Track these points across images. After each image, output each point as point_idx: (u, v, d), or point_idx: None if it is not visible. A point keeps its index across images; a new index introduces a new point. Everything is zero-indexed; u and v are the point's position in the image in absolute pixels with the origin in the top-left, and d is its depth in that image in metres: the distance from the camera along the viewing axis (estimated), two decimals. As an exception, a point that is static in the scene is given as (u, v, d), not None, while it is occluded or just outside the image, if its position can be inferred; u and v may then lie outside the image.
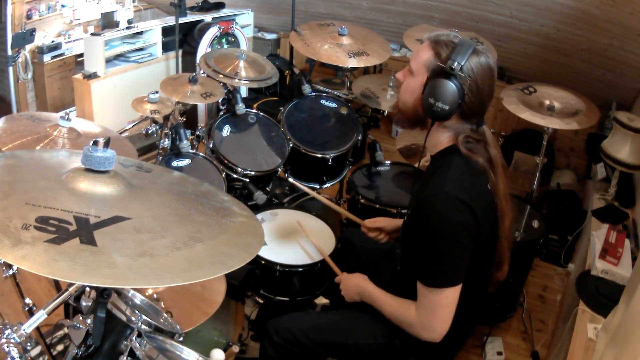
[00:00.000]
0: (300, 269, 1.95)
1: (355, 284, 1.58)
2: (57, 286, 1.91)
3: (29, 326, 0.92)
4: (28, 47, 3.84)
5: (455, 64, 1.27)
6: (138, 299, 1.27)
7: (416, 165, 2.53)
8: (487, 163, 1.35)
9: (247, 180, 2.31)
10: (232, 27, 4.09)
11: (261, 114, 2.60)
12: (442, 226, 1.27)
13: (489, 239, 1.36)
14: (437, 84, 1.29)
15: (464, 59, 1.27)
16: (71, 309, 1.51)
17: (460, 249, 1.28)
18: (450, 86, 1.27)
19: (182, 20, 3.75)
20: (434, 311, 1.32)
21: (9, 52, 3.70)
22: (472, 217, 1.28)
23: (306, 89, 2.72)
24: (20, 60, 3.81)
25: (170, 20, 3.87)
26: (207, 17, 4.16)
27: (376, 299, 1.50)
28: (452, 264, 1.29)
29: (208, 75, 2.50)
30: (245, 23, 4.44)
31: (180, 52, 3.80)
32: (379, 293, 1.50)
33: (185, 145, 2.27)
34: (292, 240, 2.09)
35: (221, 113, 2.59)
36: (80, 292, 1.06)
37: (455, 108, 1.30)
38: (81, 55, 3.88)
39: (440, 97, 1.28)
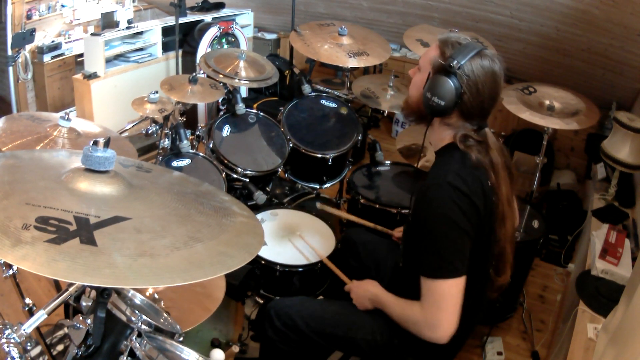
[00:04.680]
0: (300, 269, 1.95)
1: (367, 291, 1.56)
2: (57, 286, 1.91)
3: (29, 326, 0.92)
4: (28, 47, 3.85)
5: (455, 62, 1.31)
6: (138, 299, 1.26)
7: (416, 165, 2.53)
8: (488, 163, 1.36)
9: (247, 180, 2.31)
10: (232, 27, 4.09)
11: (261, 114, 2.60)
12: (444, 214, 1.28)
13: (486, 236, 1.36)
14: (436, 79, 1.34)
15: (465, 58, 1.31)
16: (71, 309, 1.51)
17: (463, 237, 1.28)
18: (447, 83, 1.31)
19: (182, 20, 3.75)
20: (439, 305, 1.29)
21: (9, 52, 3.70)
22: (472, 207, 1.29)
23: (306, 89, 2.72)
24: (20, 60, 3.81)
25: (170, 20, 3.87)
26: (207, 17, 4.16)
27: (386, 304, 1.47)
28: (456, 252, 1.28)
29: (208, 76, 2.50)
30: (245, 23, 4.44)
31: (180, 52, 3.81)
32: (388, 297, 1.48)
33: (185, 145, 2.27)
34: (292, 240, 2.09)
35: (221, 113, 2.59)
36: (80, 292, 1.06)
37: (452, 105, 1.33)
38: (81, 55, 3.89)
39: (437, 92, 1.33)
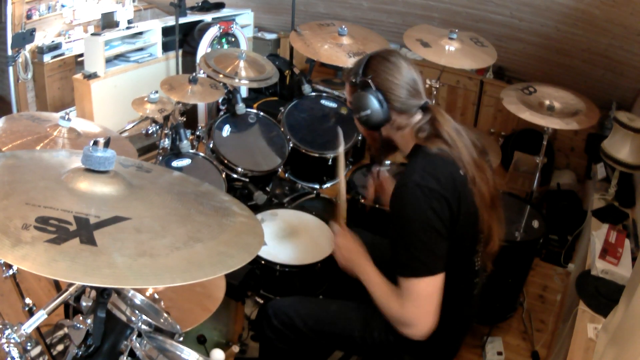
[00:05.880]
0: (300, 269, 1.95)
1: (350, 250, 1.53)
2: (57, 286, 1.91)
3: (29, 326, 0.92)
4: (28, 47, 3.84)
5: (354, 76, 1.42)
6: (138, 299, 1.27)
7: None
8: (441, 141, 1.35)
9: (247, 180, 2.31)
10: (232, 27, 4.09)
11: (261, 114, 2.60)
12: (414, 214, 1.28)
13: (466, 226, 1.35)
14: (353, 100, 1.41)
15: (361, 67, 1.41)
16: (71, 309, 1.51)
17: (434, 236, 1.28)
18: (361, 94, 1.38)
19: (182, 20, 3.75)
20: (415, 303, 1.29)
21: (9, 52, 3.70)
22: (442, 203, 1.28)
23: (306, 89, 2.72)
24: (20, 60, 3.81)
25: (170, 20, 3.87)
26: (207, 17, 4.16)
27: (368, 276, 1.43)
28: (428, 252, 1.28)
29: (208, 76, 2.50)
30: (245, 23, 4.44)
31: (180, 52, 3.81)
32: (372, 271, 1.44)
33: (185, 145, 2.27)
34: (292, 240, 2.09)
35: (221, 113, 2.59)
36: (80, 292, 1.06)
37: (380, 107, 1.37)
38: (81, 55, 3.88)
39: (360, 107, 1.39)
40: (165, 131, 2.38)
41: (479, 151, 1.39)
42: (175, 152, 2.28)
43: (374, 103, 1.37)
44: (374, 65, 1.40)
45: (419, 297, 1.29)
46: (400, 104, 1.39)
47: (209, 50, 3.89)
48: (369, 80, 1.38)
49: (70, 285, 1.01)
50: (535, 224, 2.38)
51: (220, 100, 2.60)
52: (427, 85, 2.14)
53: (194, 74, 2.38)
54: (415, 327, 1.31)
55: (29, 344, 0.97)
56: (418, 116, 1.41)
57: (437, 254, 1.29)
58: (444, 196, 1.28)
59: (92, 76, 3.49)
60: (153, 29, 3.90)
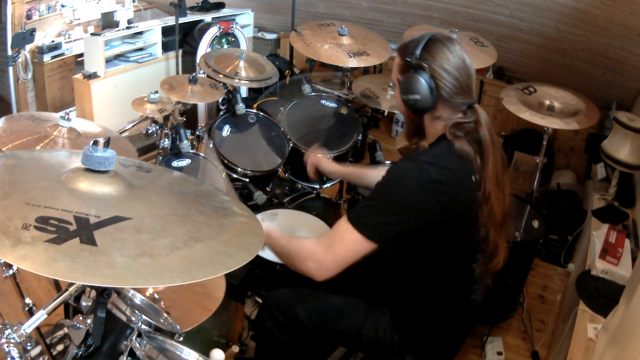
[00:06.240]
0: (300, 269, 1.94)
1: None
2: (57, 286, 1.91)
3: (29, 326, 0.92)
4: (28, 47, 3.84)
5: (412, 56, 1.33)
6: (138, 299, 1.26)
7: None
8: (475, 145, 1.32)
9: (247, 180, 2.31)
10: (232, 27, 4.09)
11: (261, 114, 2.60)
12: (396, 178, 1.28)
13: (463, 231, 1.33)
14: (404, 79, 1.35)
15: (419, 49, 1.33)
16: (71, 309, 1.51)
17: (393, 211, 1.27)
18: (414, 77, 1.32)
19: (182, 20, 3.75)
20: (332, 243, 1.30)
21: (9, 52, 3.70)
22: (430, 196, 1.25)
23: (306, 89, 2.72)
24: (20, 60, 3.81)
25: (170, 20, 3.87)
26: (207, 17, 4.16)
27: (273, 238, 1.42)
28: (376, 215, 1.28)
29: (208, 76, 2.50)
30: (245, 23, 4.44)
31: (180, 52, 3.81)
32: (276, 233, 1.43)
33: (185, 145, 2.27)
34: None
35: (221, 113, 2.59)
36: (80, 292, 1.06)
37: (430, 95, 1.32)
38: (81, 55, 3.88)
39: (410, 89, 1.33)
40: (165, 131, 2.38)
41: (505, 166, 1.36)
42: (175, 152, 2.28)
43: (425, 89, 1.32)
44: (432, 49, 1.33)
45: (339, 240, 1.30)
46: (449, 96, 1.33)
47: (209, 50, 3.89)
48: (426, 65, 1.32)
49: (70, 285, 1.01)
50: (535, 224, 2.38)
51: (220, 100, 2.60)
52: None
53: (194, 74, 2.38)
54: (319, 264, 1.31)
55: (29, 344, 0.97)
56: (460, 113, 1.35)
57: (381, 225, 1.28)
58: (438, 189, 1.25)
59: (92, 76, 3.49)
60: (153, 29, 3.91)
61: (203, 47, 3.91)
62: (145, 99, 2.28)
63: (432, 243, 1.35)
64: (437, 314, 1.44)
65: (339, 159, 2.54)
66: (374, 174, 1.76)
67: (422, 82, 1.31)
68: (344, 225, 1.30)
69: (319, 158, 2.02)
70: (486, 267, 1.39)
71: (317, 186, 2.57)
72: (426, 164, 1.26)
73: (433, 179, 1.25)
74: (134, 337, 1.11)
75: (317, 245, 1.33)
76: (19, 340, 0.92)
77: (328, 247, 1.31)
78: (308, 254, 1.34)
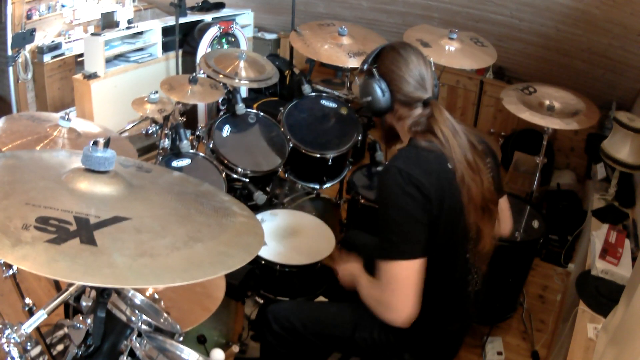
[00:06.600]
0: (300, 269, 1.95)
1: (348, 271, 1.58)
2: (57, 286, 1.91)
3: (29, 326, 0.92)
4: (28, 47, 3.84)
5: (364, 64, 1.48)
6: (138, 299, 1.27)
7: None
8: (433, 137, 1.38)
9: (247, 180, 2.31)
10: (232, 27, 4.09)
11: (261, 114, 2.60)
12: (391, 197, 1.31)
13: (453, 220, 1.35)
14: (360, 86, 1.48)
15: (371, 57, 1.47)
16: (71, 309, 1.51)
17: (410, 221, 1.29)
18: (366, 81, 1.45)
19: (182, 20, 3.75)
20: (392, 287, 1.30)
21: (9, 52, 3.70)
22: (420, 190, 1.29)
23: (306, 89, 2.72)
24: (20, 60, 3.80)
25: (170, 20, 3.87)
26: (207, 17, 4.16)
27: (359, 283, 1.48)
28: (403, 235, 1.29)
29: (208, 76, 2.50)
30: (245, 23, 4.44)
31: (180, 52, 3.80)
32: (362, 277, 1.48)
33: (185, 145, 2.27)
34: (292, 240, 2.09)
35: (221, 113, 2.59)
36: (80, 292, 1.06)
37: (382, 95, 1.42)
38: (81, 55, 3.88)
39: (363, 92, 1.46)
40: (165, 131, 2.38)
41: (477, 152, 1.40)
42: (175, 152, 2.28)
43: (375, 91, 1.42)
44: (383, 56, 1.45)
45: (395, 280, 1.29)
46: (403, 96, 1.42)
47: (209, 50, 3.89)
48: (374, 69, 1.44)
49: (70, 285, 1.01)
50: (535, 224, 2.38)
51: (220, 100, 2.60)
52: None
53: (194, 74, 2.38)
54: (395, 311, 1.31)
55: (29, 344, 0.97)
56: (418, 110, 1.43)
57: (412, 238, 1.29)
58: (423, 183, 1.29)
59: (92, 76, 3.49)
60: (153, 29, 3.90)
61: (203, 47, 3.90)
62: (145, 99, 2.27)
63: (430, 238, 1.36)
64: (431, 312, 1.45)
65: (339, 159, 2.55)
66: None
67: (372, 84, 1.43)
68: (384, 267, 1.31)
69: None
70: (475, 251, 1.41)
71: (317, 186, 2.57)
72: (398, 167, 1.32)
73: (409, 180, 1.29)
74: (134, 337, 1.11)
75: (382, 294, 1.33)
76: (19, 340, 0.92)
77: (389, 291, 1.30)
78: (379, 303, 1.35)
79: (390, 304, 1.31)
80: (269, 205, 2.34)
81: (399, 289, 1.29)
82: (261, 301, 2.02)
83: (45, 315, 0.95)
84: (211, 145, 2.35)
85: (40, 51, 3.89)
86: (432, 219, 1.31)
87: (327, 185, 2.59)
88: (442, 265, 1.38)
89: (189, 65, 3.91)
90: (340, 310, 1.60)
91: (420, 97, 1.42)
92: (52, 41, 3.99)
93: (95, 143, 1.00)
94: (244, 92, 4.17)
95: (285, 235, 2.11)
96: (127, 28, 3.82)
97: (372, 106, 1.45)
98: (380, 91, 1.43)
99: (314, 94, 2.75)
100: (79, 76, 3.54)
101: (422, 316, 1.44)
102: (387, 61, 1.44)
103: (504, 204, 1.60)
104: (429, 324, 1.45)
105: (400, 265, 1.28)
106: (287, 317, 1.58)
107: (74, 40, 4.15)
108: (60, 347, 1.60)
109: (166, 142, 2.38)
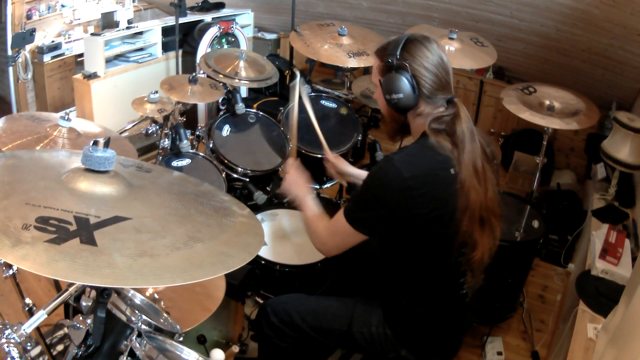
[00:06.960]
0: (300, 269, 1.95)
1: (297, 181, 1.72)
2: (57, 286, 1.91)
3: (29, 326, 0.92)
4: (28, 47, 3.84)
5: (392, 57, 1.38)
6: (138, 299, 1.27)
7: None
8: (453, 138, 1.36)
9: (247, 180, 2.31)
10: (232, 27, 4.09)
11: (261, 113, 2.60)
12: (375, 177, 1.38)
13: (445, 224, 1.34)
14: (386, 80, 1.40)
15: (398, 49, 1.38)
16: (71, 309, 1.51)
17: (374, 207, 1.37)
18: (395, 76, 1.37)
19: (182, 20, 3.74)
20: (333, 232, 1.48)
21: (9, 52, 3.70)
22: (406, 195, 1.31)
23: (306, 89, 2.72)
24: (20, 60, 3.80)
25: (170, 20, 3.86)
26: (207, 17, 4.16)
27: (305, 201, 1.62)
28: (361, 211, 1.39)
29: (208, 76, 2.50)
30: (245, 23, 4.44)
31: (180, 52, 3.80)
32: (310, 200, 1.62)
33: (185, 145, 2.27)
34: (292, 240, 2.09)
35: (221, 113, 2.58)
36: (80, 292, 1.06)
37: (412, 93, 1.37)
38: (81, 55, 3.88)
39: (392, 89, 1.38)
40: (165, 131, 2.38)
41: (487, 159, 1.39)
42: (175, 152, 2.28)
43: (407, 87, 1.36)
44: (411, 49, 1.38)
45: (340, 232, 1.45)
46: (429, 92, 1.38)
47: (209, 50, 3.89)
48: (407, 64, 1.36)
49: (70, 285, 1.01)
50: (535, 224, 2.38)
51: (220, 100, 2.60)
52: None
53: (193, 74, 2.38)
54: (324, 247, 1.53)
55: (29, 344, 0.97)
56: (441, 108, 1.40)
57: (369, 220, 1.39)
58: (414, 184, 1.31)
59: (92, 76, 3.49)
60: (153, 29, 3.90)
61: (203, 47, 3.90)
62: (145, 99, 2.27)
63: (414, 237, 1.40)
64: (426, 308, 1.47)
65: (339, 159, 2.54)
66: None
67: (404, 81, 1.36)
68: (340, 217, 1.43)
69: (339, 158, 2.00)
70: (469, 259, 1.40)
71: (317, 186, 2.57)
72: (398, 162, 1.33)
73: (404, 177, 1.31)
74: (134, 337, 1.11)
75: (324, 231, 1.51)
76: (19, 340, 0.92)
77: (330, 234, 1.49)
78: (318, 235, 1.53)
79: (326, 242, 1.51)
80: (269, 205, 2.33)
81: (337, 238, 1.47)
82: (261, 301, 2.02)
83: (45, 315, 0.95)
84: (211, 145, 2.35)
85: (40, 51, 3.89)
86: (412, 218, 1.33)
87: (327, 185, 2.59)
88: (431, 262, 1.40)
89: (189, 65, 3.90)
90: (339, 304, 1.61)
91: (445, 95, 1.40)
92: (52, 41, 3.99)
93: (95, 143, 1.00)
94: (244, 92, 4.16)
95: (285, 235, 2.11)
96: (127, 28, 3.82)
97: (399, 103, 1.39)
98: (411, 88, 1.36)
99: (314, 94, 2.75)
100: (79, 76, 3.54)
101: (418, 312, 1.46)
102: (417, 56, 1.37)
103: None
104: (425, 320, 1.47)
105: (346, 226, 1.41)
106: (286, 310, 1.59)
107: (74, 40, 4.15)
108: (60, 347, 1.60)
109: (166, 142, 2.38)
